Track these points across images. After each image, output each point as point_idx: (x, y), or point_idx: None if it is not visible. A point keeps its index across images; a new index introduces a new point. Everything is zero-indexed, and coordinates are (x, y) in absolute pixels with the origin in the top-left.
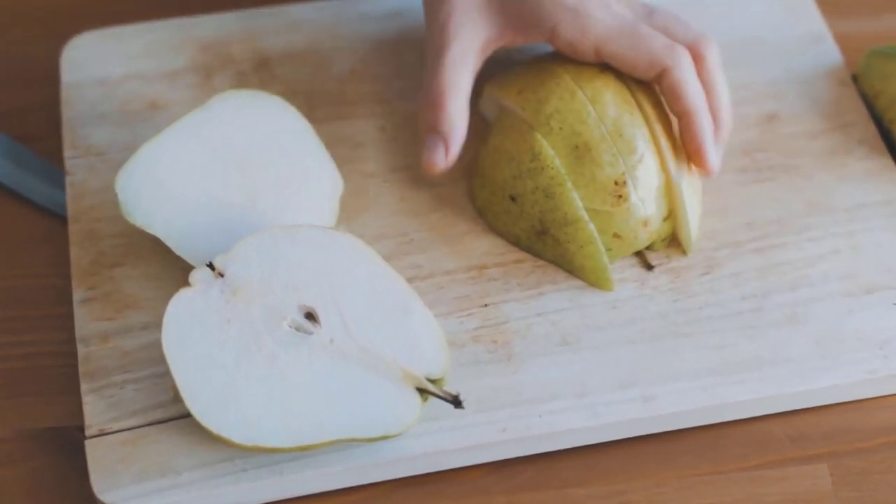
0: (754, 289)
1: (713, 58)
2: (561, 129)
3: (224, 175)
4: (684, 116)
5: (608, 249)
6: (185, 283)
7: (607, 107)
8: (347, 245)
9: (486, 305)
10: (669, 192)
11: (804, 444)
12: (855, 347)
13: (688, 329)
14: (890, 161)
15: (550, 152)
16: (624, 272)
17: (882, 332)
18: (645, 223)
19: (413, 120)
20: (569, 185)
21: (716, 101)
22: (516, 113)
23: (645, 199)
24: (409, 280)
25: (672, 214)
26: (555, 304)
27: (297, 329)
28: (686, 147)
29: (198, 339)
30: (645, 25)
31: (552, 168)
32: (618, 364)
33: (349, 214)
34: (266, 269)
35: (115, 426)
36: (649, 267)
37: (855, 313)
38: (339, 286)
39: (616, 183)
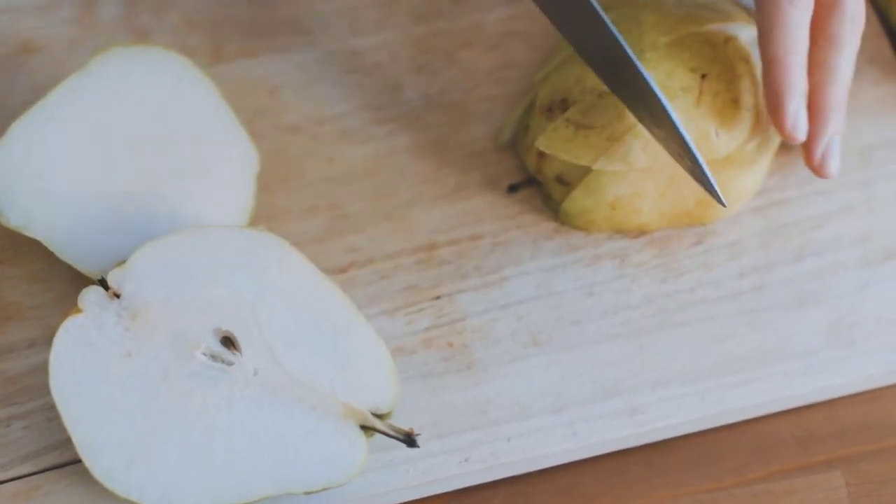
0: (755, 261)
1: (845, 13)
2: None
3: (112, 159)
4: (769, 64)
5: None
6: (78, 284)
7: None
8: (269, 249)
9: (438, 297)
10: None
11: (813, 447)
12: (873, 331)
13: (679, 317)
14: None
15: None
16: (600, 247)
17: None
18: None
19: (341, 54)
20: None
21: (823, 73)
22: None
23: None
24: (346, 269)
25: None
26: (520, 291)
27: (214, 359)
28: (766, 102)
29: (93, 381)
30: None
31: None
32: (599, 367)
33: (268, 185)
34: (170, 285)
35: (3, 475)
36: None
37: (871, 287)
38: (262, 303)
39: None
